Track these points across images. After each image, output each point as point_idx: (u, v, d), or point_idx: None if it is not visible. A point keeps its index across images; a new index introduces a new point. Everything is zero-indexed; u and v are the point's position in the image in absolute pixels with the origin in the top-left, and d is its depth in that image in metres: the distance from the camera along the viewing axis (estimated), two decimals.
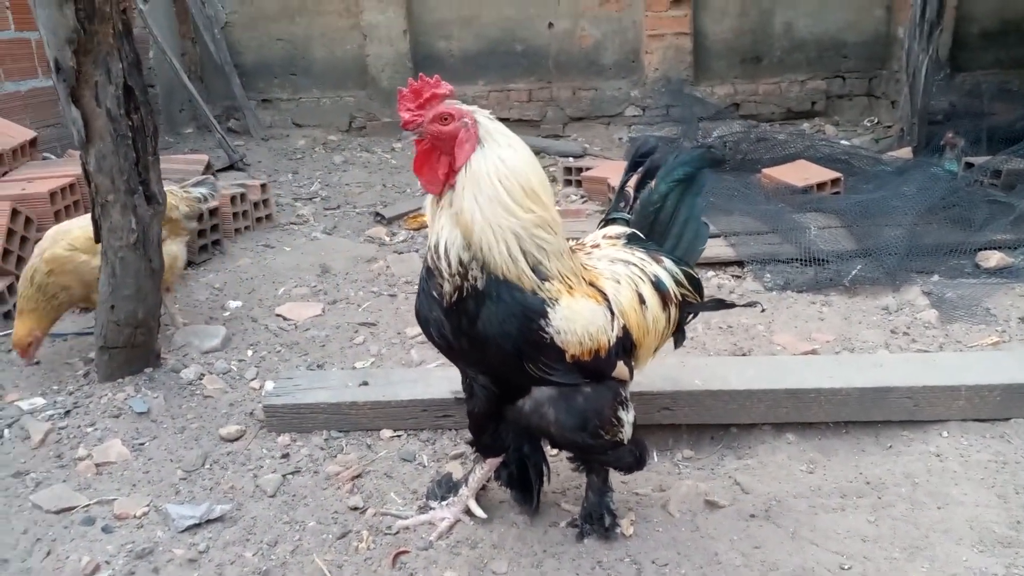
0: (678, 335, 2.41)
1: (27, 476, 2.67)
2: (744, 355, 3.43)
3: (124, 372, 3.23)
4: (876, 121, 8.10)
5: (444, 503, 2.39)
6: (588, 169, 5.95)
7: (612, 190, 5.23)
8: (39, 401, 3.15)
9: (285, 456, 2.76)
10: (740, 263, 4.46)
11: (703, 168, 2.32)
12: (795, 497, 2.49)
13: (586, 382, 2.05)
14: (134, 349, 3.18)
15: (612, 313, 2.05)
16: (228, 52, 8.67)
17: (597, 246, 2.28)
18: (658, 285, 2.20)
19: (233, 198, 5.07)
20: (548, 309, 1.91)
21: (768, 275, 4.30)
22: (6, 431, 2.95)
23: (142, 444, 2.85)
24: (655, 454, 2.82)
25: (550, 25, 8.51)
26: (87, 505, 2.51)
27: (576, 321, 1.95)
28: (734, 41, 8.43)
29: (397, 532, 2.34)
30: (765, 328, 3.70)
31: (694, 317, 2.45)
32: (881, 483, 2.54)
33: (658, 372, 2.92)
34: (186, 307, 4.11)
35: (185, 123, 8.61)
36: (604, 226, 2.40)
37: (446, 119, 1.85)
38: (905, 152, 6.18)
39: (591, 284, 2.05)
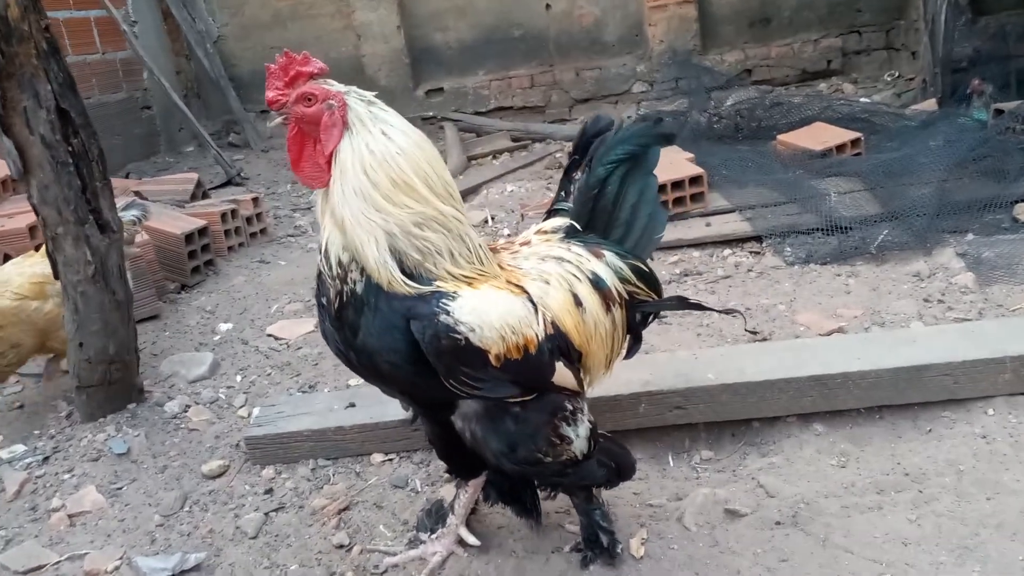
0: (633, 341, 2.13)
1: None
2: (764, 339, 3.16)
3: (105, 411, 3.06)
4: (897, 75, 7.70)
5: (434, 535, 2.17)
6: None
7: None
8: (19, 448, 2.99)
9: (268, 492, 2.56)
10: (758, 238, 4.18)
11: (649, 145, 2.00)
12: (826, 497, 2.23)
13: (520, 397, 1.79)
14: (111, 386, 3.00)
15: (534, 305, 1.79)
16: (222, 66, 8.54)
17: (527, 243, 2.01)
18: (597, 283, 1.93)
19: (224, 215, 4.90)
20: (448, 305, 1.66)
21: (788, 248, 4.01)
22: None
23: (119, 489, 2.67)
24: (671, 458, 2.58)
25: (547, 6, 8.23)
26: (57, 562, 2.34)
27: (490, 312, 1.69)
28: (740, 4, 8.08)
29: (385, 571, 2.13)
30: (787, 307, 3.42)
31: (653, 318, 2.16)
32: (922, 474, 2.26)
33: (668, 368, 2.67)
34: (175, 334, 3.94)
35: (185, 142, 8.49)
36: (546, 219, 2.14)
37: (310, 100, 1.66)
38: (929, 104, 5.82)
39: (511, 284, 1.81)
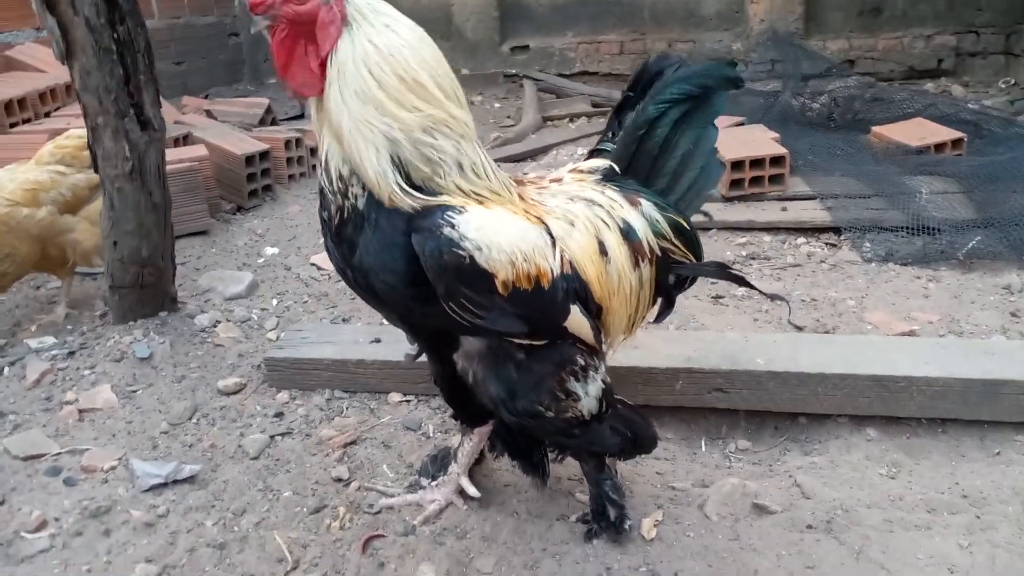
0: (665, 304, 1.92)
1: (8, 417, 2.48)
2: (827, 332, 2.91)
3: (136, 314, 3.01)
4: (1013, 82, 7.14)
5: (435, 483, 2.03)
6: None
7: None
8: (49, 340, 2.97)
9: (279, 415, 2.47)
10: (836, 230, 3.89)
11: (713, 87, 1.76)
12: (868, 507, 2.02)
13: (527, 338, 1.61)
14: (144, 290, 2.95)
15: (552, 240, 1.62)
16: None
17: (558, 180, 1.82)
18: (628, 234, 1.73)
19: (288, 142, 4.83)
20: (454, 218, 1.49)
21: (868, 244, 3.72)
22: (7, 369, 2.78)
23: (134, 391, 2.62)
24: (704, 443, 2.38)
25: None
26: (57, 454, 2.30)
27: (501, 232, 1.51)
28: None
29: (378, 512, 2.01)
30: (856, 303, 3.15)
31: (688, 284, 1.94)
32: (982, 498, 2.02)
33: (714, 347, 2.47)
34: (221, 251, 3.90)
35: (268, 74, 8.50)
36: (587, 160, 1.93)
37: None
38: None
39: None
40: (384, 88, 1.46)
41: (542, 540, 1.89)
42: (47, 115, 4.30)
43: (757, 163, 4.15)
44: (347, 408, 2.50)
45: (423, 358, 1.94)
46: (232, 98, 6.72)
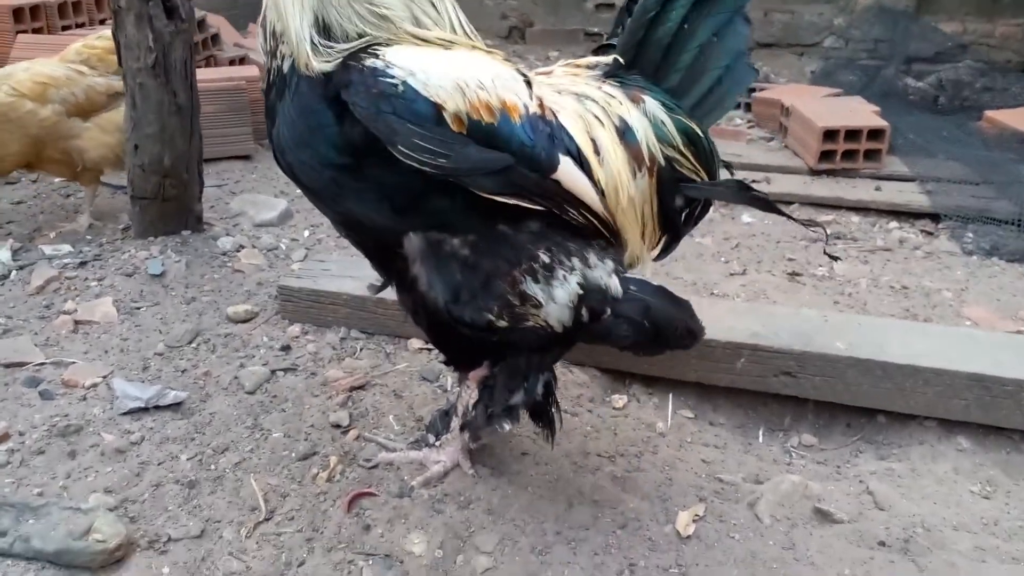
0: (670, 238, 1.60)
1: (0, 321, 2.30)
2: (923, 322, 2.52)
3: (158, 230, 2.81)
4: None
5: (440, 442, 1.75)
6: (761, 91, 4.98)
7: (786, 113, 4.28)
8: (64, 248, 2.79)
9: (285, 349, 2.22)
10: (934, 216, 3.45)
11: None
12: (955, 529, 1.66)
13: (510, 190, 1.30)
14: (166, 203, 2.74)
15: (527, 80, 1.36)
16: None
17: (548, 74, 1.51)
18: (624, 134, 1.43)
19: None
20: (378, 50, 1.24)
21: (970, 235, 3.28)
22: (14, 272, 2.61)
23: (138, 308, 2.40)
24: (762, 433, 2.06)
25: None
26: (40, 364, 2.10)
27: (440, 60, 1.25)
28: None
29: (374, 466, 1.74)
30: (954, 296, 2.75)
31: (700, 214, 1.61)
32: None
33: (786, 324, 2.12)
34: (260, 177, 3.68)
35: None
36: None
37: None
38: None
39: None
40: None
41: (557, 522, 1.59)
42: (102, 22, 4.14)
43: (852, 135, 3.73)
44: (361, 350, 2.24)
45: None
46: None
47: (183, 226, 2.85)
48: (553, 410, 1.64)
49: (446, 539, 1.53)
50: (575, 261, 1.43)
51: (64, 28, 3.93)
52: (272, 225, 3.12)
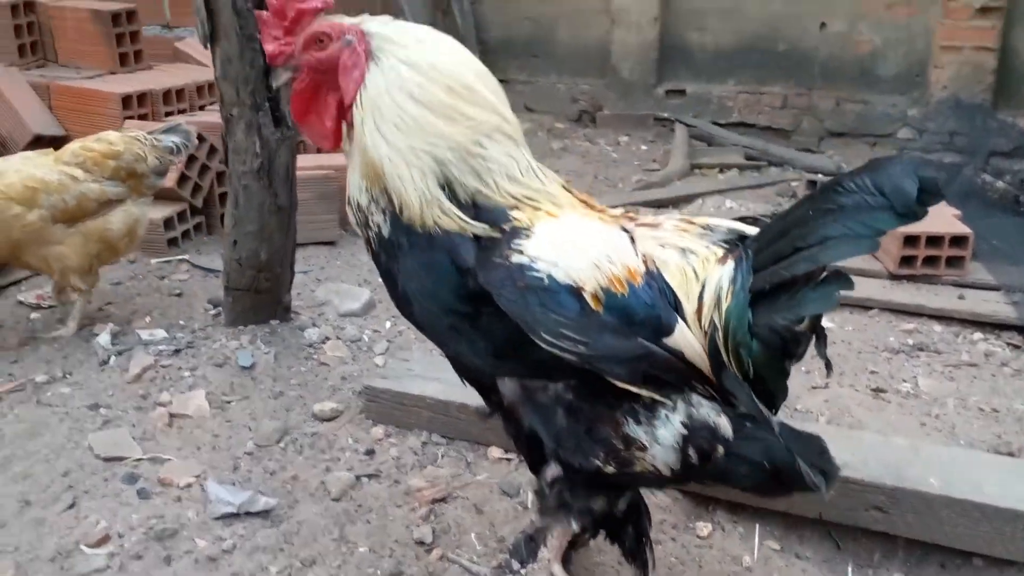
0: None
1: (100, 411, 2.40)
2: (1011, 455, 2.44)
3: (248, 319, 2.91)
4: None
5: (525, 570, 1.74)
6: None
7: None
8: (160, 333, 2.91)
9: (370, 453, 2.26)
10: (1022, 329, 3.36)
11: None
12: None
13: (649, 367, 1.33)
14: (259, 295, 2.85)
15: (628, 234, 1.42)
16: (474, 27, 8.51)
17: (654, 226, 1.51)
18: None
19: None
20: (521, 243, 1.32)
21: None
22: (113, 359, 2.72)
23: (228, 402, 2.48)
24: (851, 569, 2.00)
25: (822, 25, 7.43)
26: (138, 459, 2.17)
27: (574, 240, 1.34)
28: None
29: None
30: None
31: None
32: None
33: (876, 454, 2.08)
34: (345, 264, 3.79)
35: None
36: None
37: (322, 41, 1.39)
38: None
39: None
40: (429, 107, 1.34)
41: None
42: (201, 108, 4.37)
43: (934, 241, 3.67)
44: (442, 456, 2.26)
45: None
46: None
47: (272, 316, 2.95)
48: (647, 548, 1.63)
49: None
50: (676, 399, 1.43)
51: (167, 114, 4.16)
52: (356, 315, 3.20)
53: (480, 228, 1.36)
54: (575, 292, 1.30)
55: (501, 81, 5.83)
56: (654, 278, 1.37)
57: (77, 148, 2.82)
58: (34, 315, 3.10)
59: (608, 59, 8.15)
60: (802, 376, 2.90)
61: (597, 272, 1.31)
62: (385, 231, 1.39)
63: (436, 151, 1.34)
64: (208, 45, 2.37)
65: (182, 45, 5.01)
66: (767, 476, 1.46)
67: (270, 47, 1.42)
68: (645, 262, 1.39)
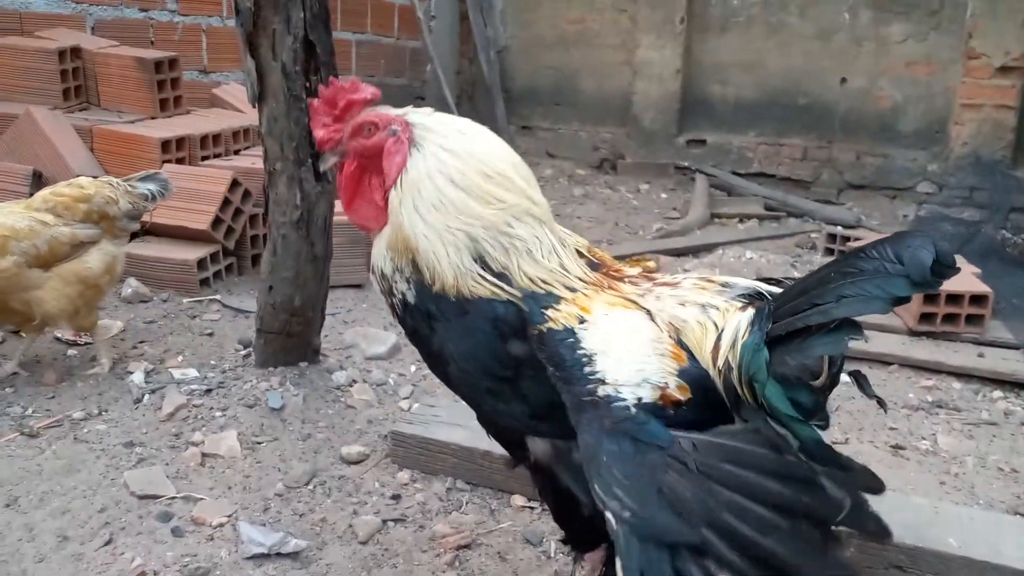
0: None
1: (136, 448, 2.47)
2: None
3: (279, 361, 2.99)
4: None
5: None
6: (857, 240, 5.02)
7: None
8: (191, 373, 2.99)
9: (396, 498, 2.32)
10: None
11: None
12: None
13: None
14: (290, 338, 2.92)
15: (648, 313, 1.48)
16: (499, 75, 8.71)
17: (675, 285, 1.56)
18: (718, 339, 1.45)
19: None
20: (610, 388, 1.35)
21: None
22: (147, 397, 2.80)
23: (259, 443, 2.55)
24: None
25: (843, 81, 7.57)
26: (172, 498, 2.23)
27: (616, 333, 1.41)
28: None
29: None
30: None
31: None
32: None
33: (895, 513, 2.09)
34: (371, 307, 3.87)
35: None
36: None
37: (370, 130, 1.50)
38: None
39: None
40: (467, 190, 1.44)
41: None
42: (236, 152, 4.51)
43: (954, 298, 3.72)
44: (466, 503, 2.31)
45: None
46: None
47: (302, 358, 3.02)
48: None
49: None
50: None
51: (203, 158, 4.30)
52: (382, 359, 3.28)
53: (515, 293, 1.43)
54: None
55: (524, 128, 6.11)
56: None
57: (47, 194, 2.88)
58: (71, 352, 3.19)
59: (630, 109, 8.32)
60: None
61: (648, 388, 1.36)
62: (411, 298, 1.47)
63: (471, 229, 1.42)
64: (256, 104, 2.48)
65: (219, 91, 5.18)
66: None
67: (320, 133, 1.52)
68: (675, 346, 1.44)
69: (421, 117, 1.52)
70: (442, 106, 8.04)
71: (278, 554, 2.00)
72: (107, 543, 2.03)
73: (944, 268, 1.30)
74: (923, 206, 6.84)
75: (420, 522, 2.21)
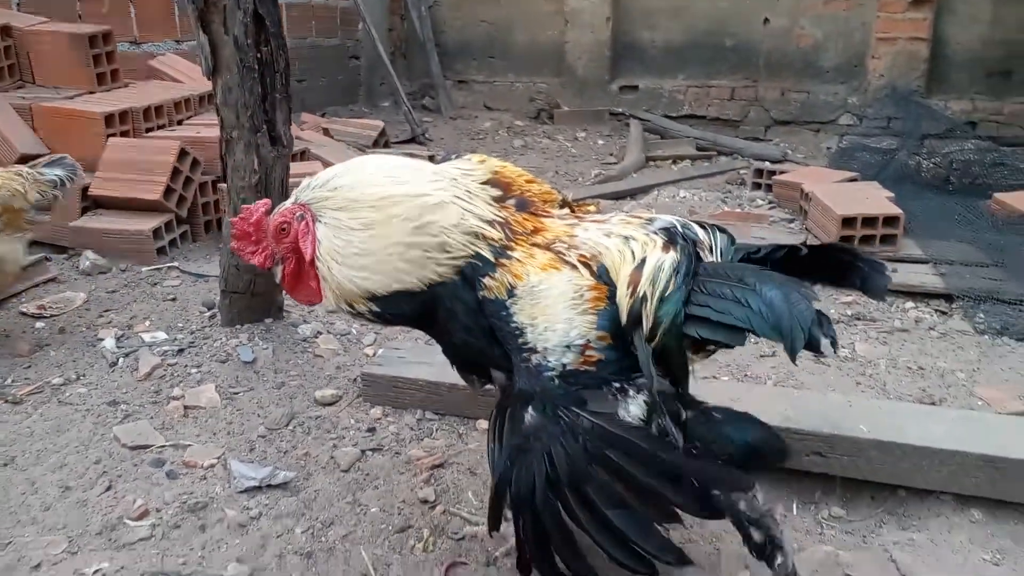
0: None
1: (120, 406, 2.62)
2: (933, 404, 2.79)
3: (244, 319, 3.15)
4: None
5: None
6: (782, 173, 5.32)
7: (806, 198, 4.61)
8: (160, 336, 3.13)
9: (371, 431, 2.53)
10: (948, 297, 3.73)
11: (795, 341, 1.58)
12: None
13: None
14: (254, 297, 3.08)
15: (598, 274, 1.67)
16: (432, 31, 8.76)
17: (605, 221, 1.78)
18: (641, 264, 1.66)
19: None
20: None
21: (981, 315, 3.55)
22: (121, 360, 2.94)
23: (236, 393, 2.72)
24: (796, 506, 2.31)
25: (765, 21, 7.84)
26: (162, 446, 2.41)
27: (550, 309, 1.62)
28: (981, 51, 7.34)
29: (462, 538, 2.02)
30: (967, 376, 3.01)
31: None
32: None
33: (815, 408, 2.40)
34: None
35: (383, 96, 8.81)
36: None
37: (285, 228, 1.69)
38: None
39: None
40: (369, 228, 1.63)
41: None
42: (179, 123, 4.57)
43: (869, 221, 4.04)
44: (436, 430, 2.53)
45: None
46: (348, 118, 6.99)
47: (266, 315, 3.19)
48: None
49: None
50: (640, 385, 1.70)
51: (148, 130, 4.35)
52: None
53: (450, 272, 1.65)
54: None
55: (460, 82, 6.29)
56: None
57: None
58: (39, 324, 3.29)
59: (563, 58, 8.47)
60: (752, 347, 3.23)
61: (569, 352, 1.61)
62: (377, 307, 1.66)
63: (393, 249, 1.62)
64: (210, 77, 2.60)
65: (156, 63, 5.19)
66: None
67: (256, 260, 1.73)
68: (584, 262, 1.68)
69: (308, 192, 1.69)
70: (377, 65, 8.09)
71: (269, 486, 2.20)
72: (108, 489, 2.20)
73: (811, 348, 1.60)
74: (844, 138, 7.19)
75: (396, 449, 2.43)
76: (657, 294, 1.62)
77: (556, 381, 1.59)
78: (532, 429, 1.59)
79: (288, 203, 1.72)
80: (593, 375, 1.62)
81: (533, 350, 1.60)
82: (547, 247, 1.70)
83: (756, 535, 1.72)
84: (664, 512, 1.61)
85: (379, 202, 1.63)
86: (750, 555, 1.75)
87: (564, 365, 1.59)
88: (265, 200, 1.75)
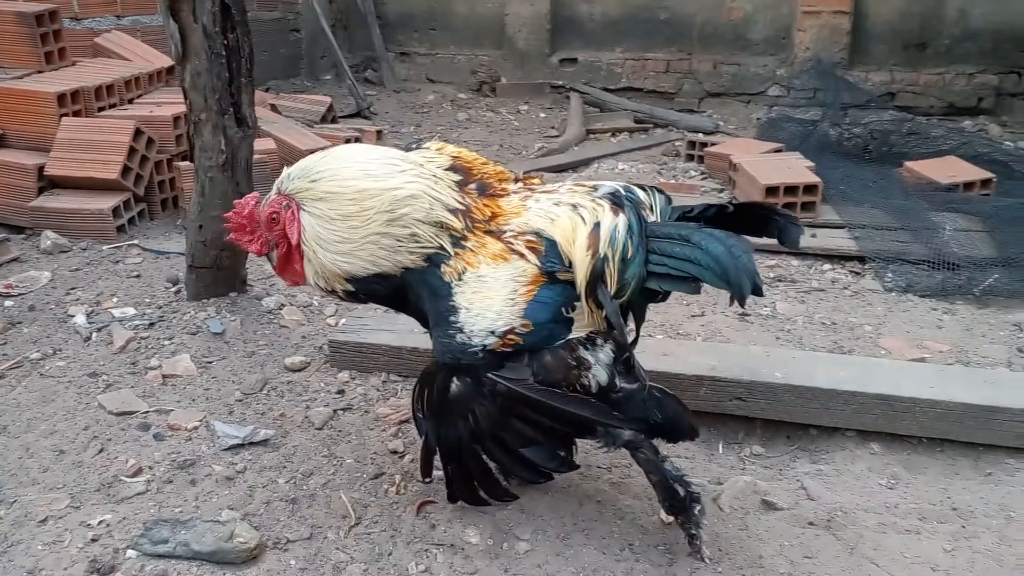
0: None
1: (100, 377, 2.79)
2: (843, 354, 3.14)
3: (210, 293, 3.32)
4: None
5: None
6: (713, 145, 5.65)
7: (735, 169, 4.93)
8: (130, 311, 3.29)
9: (340, 392, 2.75)
10: (861, 259, 4.11)
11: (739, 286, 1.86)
12: (865, 511, 2.25)
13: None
14: (220, 271, 3.26)
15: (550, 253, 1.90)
16: (373, 2, 8.81)
17: (554, 191, 2.02)
18: (595, 227, 1.89)
19: (348, 140, 5.13)
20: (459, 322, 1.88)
21: (890, 275, 3.93)
22: (94, 335, 3.10)
23: (210, 362, 2.91)
24: (721, 446, 2.63)
25: None
26: (146, 412, 2.60)
27: (487, 302, 1.87)
28: (898, 24, 7.76)
29: (430, 482, 2.28)
30: (873, 329, 3.37)
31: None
32: (969, 511, 2.25)
33: (737, 358, 2.71)
34: None
35: (325, 69, 8.85)
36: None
37: (275, 217, 1.90)
38: None
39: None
40: (348, 218, 1.84)
41: (573, 516, 2.15)
42: (130, 102, 4.64)
43: (791, 189, 4.38)
44: (401, 390, 2.78)
45: None
46: (293, 93, 7.06)
47: (231, 289, 3.37)
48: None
49: (494, 532, 2.08)
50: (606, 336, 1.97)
51: (100, 109, 4.42)
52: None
53: (419, 259, 1.88)
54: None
55: (402, 54, 6.46)
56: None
57: None
58: (8, 303, 3.41)
59: (503, 31, 8.63)
60: (683, 308, 3.54)
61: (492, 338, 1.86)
62: (353, 287, 1.90)
63: (371, 238, 1.84)
64: (179, 62, 2.75)
65: (102, 40, 5.21)
66: (661, 424, 2.03)
67: (253, 248, 1.95)
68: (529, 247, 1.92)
69: (289, 183, 1.89)
70: (319, 38, 8.14)
71: (251, 443, 2.42)
72: (100, 451, 2.39)
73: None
74: (773, 109, 7.56)
75: (365, 408, 2.66)
76: (618, 255, 1.86)
77: (480, 355, 1.85)
78: (456, 396, 1.92)
79: (272, 194, 1.92)
80: (511, 353, 1.89)
81: (460, 330, 1.85)
82: (500, 236, 1.93)
83: (651, 476, 2.06)
84: (563, 442, 2.06)
85: (357, 195, 1.84)
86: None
87: (485, 346, 1.85)
88: (254, 193, 1.95)
